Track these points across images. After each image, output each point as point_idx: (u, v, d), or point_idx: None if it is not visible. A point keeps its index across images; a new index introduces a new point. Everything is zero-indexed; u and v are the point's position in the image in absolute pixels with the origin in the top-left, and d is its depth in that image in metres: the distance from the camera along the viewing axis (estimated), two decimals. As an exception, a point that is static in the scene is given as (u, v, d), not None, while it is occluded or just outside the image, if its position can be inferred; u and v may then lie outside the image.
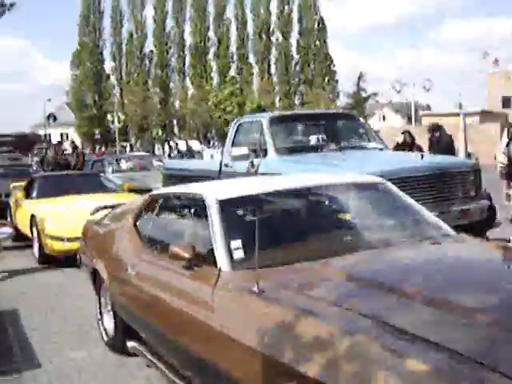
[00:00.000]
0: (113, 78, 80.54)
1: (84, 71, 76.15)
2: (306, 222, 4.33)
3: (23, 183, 13.49)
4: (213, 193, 4.19)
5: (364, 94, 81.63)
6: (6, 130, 63.47)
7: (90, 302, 7.19)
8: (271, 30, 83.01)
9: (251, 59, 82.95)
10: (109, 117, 48.08)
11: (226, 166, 9.59)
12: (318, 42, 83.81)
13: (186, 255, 3.76)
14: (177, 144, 30.79)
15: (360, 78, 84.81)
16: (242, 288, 3.35)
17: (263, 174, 8.58)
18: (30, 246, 11.10)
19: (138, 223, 5.20)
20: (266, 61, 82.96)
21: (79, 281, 8.47)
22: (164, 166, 12.30)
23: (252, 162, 8.81)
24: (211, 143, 60.24)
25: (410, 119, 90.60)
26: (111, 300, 5.31)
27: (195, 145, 35.93)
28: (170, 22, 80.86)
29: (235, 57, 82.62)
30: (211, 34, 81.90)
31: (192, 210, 4.50)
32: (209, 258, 3.78)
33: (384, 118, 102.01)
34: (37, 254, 9.99)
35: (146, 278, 4.47)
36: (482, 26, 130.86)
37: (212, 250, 3.79)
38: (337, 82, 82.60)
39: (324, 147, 9.42)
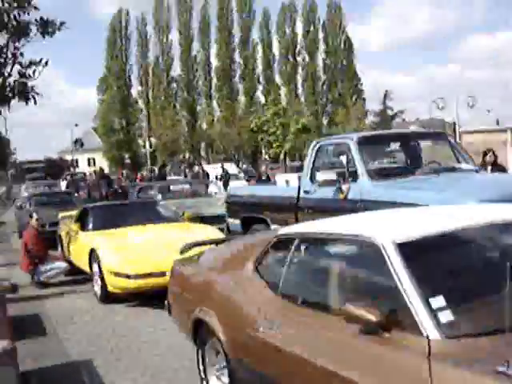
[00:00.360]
0: (140, 102, 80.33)
1: (111, 96, 75.94)
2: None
3: (72, 213, 12.75)
4: (386, 234, 3.27)
5: (390, 113, 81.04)
6: (33, 156, 63.78)
7: (175, 353, 6.36)
8: (297, 50, 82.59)
9: (277, 80, 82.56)
10: (140, 141, 47.58)
11: (307, 192, 8.70)
12: (344, 62, 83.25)
13: (373, 318, 2.86)
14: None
15: (386, 96, 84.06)
16: (476, 366, 2.45)
17: (354, 200, 7.71)
18: (85, 282, 10.29)
19: (260, 268, 4.30)
20: (293, 81, 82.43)
21: (150, 323, 7.67)
22: (229, 193, 11.42)
23: (340, 188, 7.91)
24: (240, 165, 59.46)
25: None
26: (230, 359, 4.37)
27: (231, 168, 34.89)
28: (195, 45, 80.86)
29: (261, 78, 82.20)
30: (237, 56, 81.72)
31: (351, 255, 3.60)
32: (401, 322, 2.89)
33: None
34: (98, 292, 9.10)
35: (295, 339, 3.54)
36: (503, 40, 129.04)
37: (401, 309, 2.90)
38: (364, 100, 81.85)
39: (417, 170, 8.49)
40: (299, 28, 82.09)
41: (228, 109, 75.09)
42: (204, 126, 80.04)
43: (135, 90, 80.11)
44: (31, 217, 10.99)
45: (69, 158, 74.00)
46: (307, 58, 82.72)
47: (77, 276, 10.79)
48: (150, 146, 43.33)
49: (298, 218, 8.82)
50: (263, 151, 79.68)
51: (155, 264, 8.40)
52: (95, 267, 9.16)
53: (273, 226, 9.38)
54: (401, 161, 9.83)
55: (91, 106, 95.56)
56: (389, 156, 9.25)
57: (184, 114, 78.53)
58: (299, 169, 44.45)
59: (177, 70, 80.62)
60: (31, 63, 10.97)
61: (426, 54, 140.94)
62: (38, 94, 10.50)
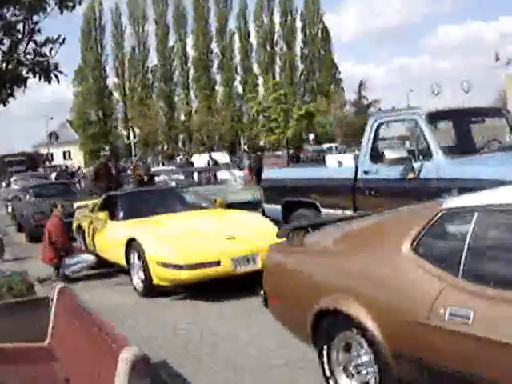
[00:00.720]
0: (116, 94, 79.00)
1: (87, 87, 74.48)
2: None
3: (88, 202, 12.01)
4: None
5: (365, 102, 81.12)
6: (5, 150, 62.67)
7: (258, 348, 5.71)
8: (275, 40, 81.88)
9: (255, 70, 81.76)
10: (123, 132, 46.43)
11: (367, 172, 8.07)
12: (322, 51, 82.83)
13: None
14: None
15: (361, 85, 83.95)
16: None
17: (428, 179, 7.13)
18: (116, 275, 9.58)
19: (420, 248, 3.66)
20: (271, 71, 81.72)
21: (210, 316, 7.00)
22: (265, 177, 10.65)
23: (412, 167, 7.30)
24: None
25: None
26: (383, 354, 3.70)
27: (224, 157, 34.04)
28: (172, 36, 79.70)
29: (239, 68, 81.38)
30: (214, 46, 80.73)
31: None
32: None
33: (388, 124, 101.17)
34: (139, 286, 8.34)
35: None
36: (473, 30, 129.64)
37: None
38: (343, 89, 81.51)
39: (484, 147, 7.96)
40: (276, 17, 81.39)
41: (206, 100, 74.14)
42: (182, 117, 79.16)
43: (111, 81, 78.85)
44: (55, 206, 10.17)
45: (44, 151, 72.52)
46: (285, 48, 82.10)
47: (102, 269, 10.06)
48: (134, 137, 42.26)
49: (356, 200, 8.22)
50: (242, 142, 79.04)
51: (208, 252, 7.70)
52: (135, 259, 8.41)
53: (324, 210, 8.77)
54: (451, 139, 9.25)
55: (64, 99, 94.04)
56: (462, 132, 8.65)
57: (161, 104, 77.37)
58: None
59: (153, 61, 79.54)
60: (47, 41, 10.12)
61: (396, 44, 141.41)
62: (61, 72, 9.67)
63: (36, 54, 10.04)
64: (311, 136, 57.62)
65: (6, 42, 9.96)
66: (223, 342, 6.05)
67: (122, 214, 9.55)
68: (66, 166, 54.51)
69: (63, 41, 10.23)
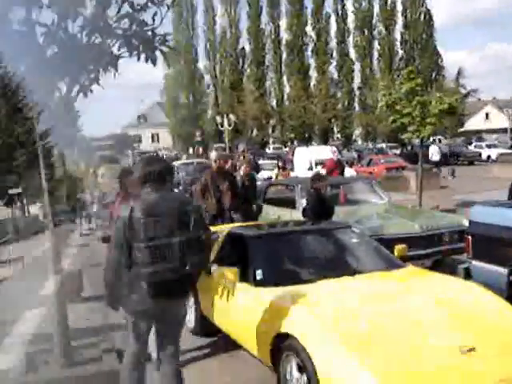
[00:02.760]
0: (207, 78, 75.92)
1: (178, 70, 71.67)
2: None
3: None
4: None
5: (463, 91, 75.32)
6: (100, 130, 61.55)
7: None
8: (373, 23, 76.73)
9: (352, 55, 77.05)
10: (217, 118, 43.25)
11: None
12: (424, 36, 77.12)
13: None
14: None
15: (459, 73, 77.98)
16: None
17: None
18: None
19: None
20: (368, 57, 76.80)
21: None
22: (475, 217, 6.50)
23: None
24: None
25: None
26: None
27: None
28: (264, 18, 76.09)
29: (335, 53, 76.77)
30: (309, 29, 76.28)
31: None
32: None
33: (487, 116, 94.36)
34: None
35: None
36: None
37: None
38: (443, 77, 75.86)
39: None
40: (376, -1, 76.24)
41: (299, 85, 70.08)
42: (273, 102, 75.68)
43: (202, 64, 75.96)
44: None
45: (132, 133, 71.43)
46: (384, 32, 76.87)
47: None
48: (229, 124, 38.98)
49: None
50: (335, 130, 74.71)
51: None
52: (291, 368, 4.85)
53: None
54: None
55: (150, 80, 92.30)
56: None
57: (252, 88, 73.69)
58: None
59: (243, 44, 76.21)
60: (150, 1, 6.60)
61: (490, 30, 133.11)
62: (172, 48, 6.28)
63: (132, 22, 6.52)
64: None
65: (90, 3, 6.44)
66: None
67: (263, 273, 5.90)
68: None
69: (173, 2, 6.78)
